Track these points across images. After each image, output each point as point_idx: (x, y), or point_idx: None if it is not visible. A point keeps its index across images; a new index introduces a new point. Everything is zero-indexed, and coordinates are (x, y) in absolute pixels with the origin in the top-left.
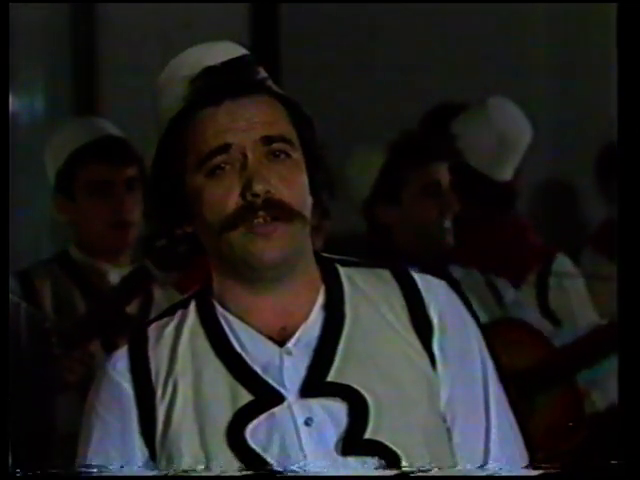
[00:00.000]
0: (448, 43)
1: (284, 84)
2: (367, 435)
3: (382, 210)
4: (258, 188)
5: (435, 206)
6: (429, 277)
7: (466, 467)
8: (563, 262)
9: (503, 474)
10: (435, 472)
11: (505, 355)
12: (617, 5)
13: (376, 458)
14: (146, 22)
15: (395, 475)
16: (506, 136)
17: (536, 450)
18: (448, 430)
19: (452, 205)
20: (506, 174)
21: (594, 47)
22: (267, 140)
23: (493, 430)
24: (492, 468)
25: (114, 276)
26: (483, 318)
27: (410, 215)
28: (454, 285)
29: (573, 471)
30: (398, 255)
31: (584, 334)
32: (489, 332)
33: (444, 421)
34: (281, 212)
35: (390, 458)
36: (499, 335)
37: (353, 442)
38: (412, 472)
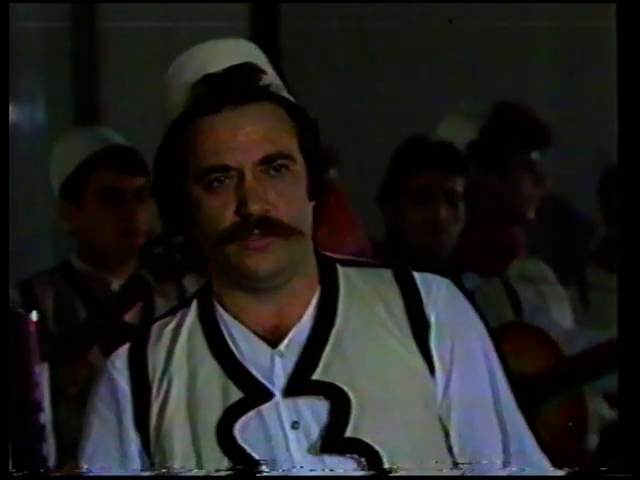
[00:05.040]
0: (448, 43)
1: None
2: (348, 433)
3: (384, 211)
4: (254, 208)
5: (424, 213)
6: (430, 276)
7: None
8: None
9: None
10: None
11: (514, 359)
12: (617, 5)
13: (356, 456)
14: (147, 27)
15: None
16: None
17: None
18: (446, 431)
19: (440, 214)
20: None
21: (594, 47)
22: (267, 160)
23: (509, 430)
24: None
25: (116, 286)
26: (496, 324)
27: (403, 219)
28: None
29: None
30: (407, 255)
31: (594, 345)
32: (499, 335)
33: (441, 420)
34: (277, 229)
35: (371, 456)
36: (509, 338)
37: (334, 440)
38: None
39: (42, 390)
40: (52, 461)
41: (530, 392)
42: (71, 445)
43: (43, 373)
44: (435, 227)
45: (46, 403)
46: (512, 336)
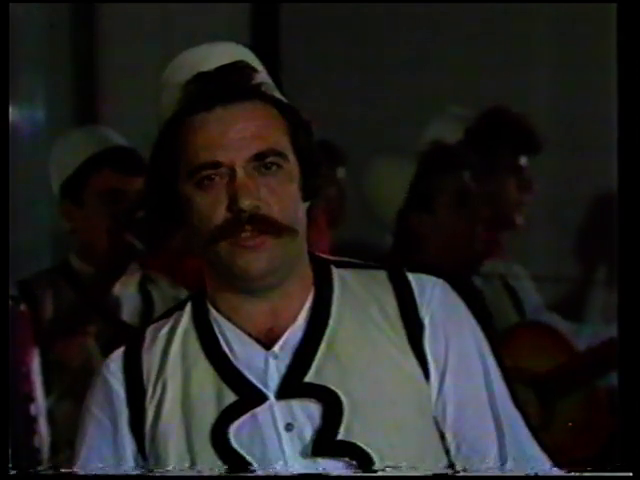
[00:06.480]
0: (449, 43)
1: (283, 85)
2: (340, 436)
3: (415, 219)
4: (245, 204)
5: (466, 214)
6: (425, 277)
7: (483, 467)
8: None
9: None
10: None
11: (527, 359)
12: (617, 5)
13: (347, 459)
14: (146, 27)
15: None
16: None
17: (557, 454)
18: (441, 432)
19: (482, 213)
20: None
21: (594, 48)
22: (258, 157)
23: (506, 431)
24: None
25: (115, 285)
26: (500, 325)
27: (443, 224)
28: (456, 285)
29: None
30: (426, 264)
31: (606, 339)
32: (508, 336)
33: (436, 422)
34: (269, 227)
35: (362, 459)
36: (520, 339)
37: (326, 443)
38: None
39: (33, 381)
40: (45, 453)
41: (545, 390)
42: (65, 438)
43: (34, 364)
44: (476, 229)
45: (37, 394)
46: (522, 337)
